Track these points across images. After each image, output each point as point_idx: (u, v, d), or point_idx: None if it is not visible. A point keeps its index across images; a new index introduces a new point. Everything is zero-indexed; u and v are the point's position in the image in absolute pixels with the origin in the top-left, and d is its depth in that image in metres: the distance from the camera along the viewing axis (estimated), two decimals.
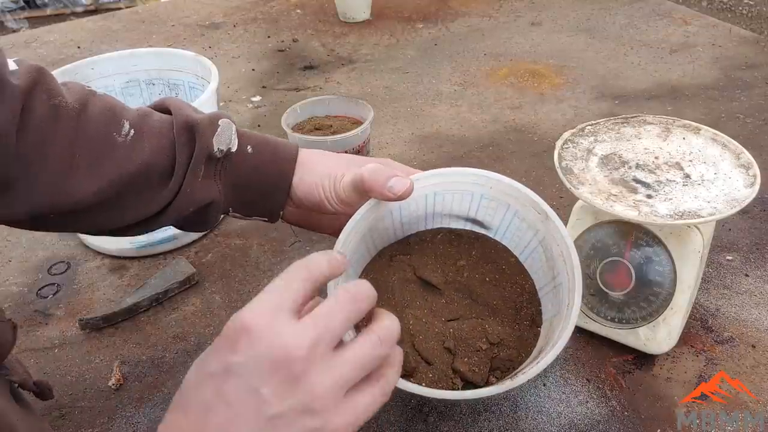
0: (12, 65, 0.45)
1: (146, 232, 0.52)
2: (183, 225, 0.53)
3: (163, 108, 0.52)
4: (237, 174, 0.51)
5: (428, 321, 0.49)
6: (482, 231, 0.55)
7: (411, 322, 0.49)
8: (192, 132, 0.49)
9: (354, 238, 0.49)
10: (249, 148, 0.51)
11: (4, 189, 0.44)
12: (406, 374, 0.47)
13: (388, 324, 0.36)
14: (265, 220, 0.54)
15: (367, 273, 0.53)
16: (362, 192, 0.48)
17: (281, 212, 0.54)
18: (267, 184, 0.51)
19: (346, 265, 0.39)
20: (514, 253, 0.54)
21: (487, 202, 0.53)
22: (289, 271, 0.36)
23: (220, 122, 0.49)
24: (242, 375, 0.32)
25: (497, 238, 0.55)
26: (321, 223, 0.56)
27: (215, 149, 0.49)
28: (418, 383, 0.45)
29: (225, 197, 0.51)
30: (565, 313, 0.46)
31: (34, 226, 0.49)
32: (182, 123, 0.49)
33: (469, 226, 0.56)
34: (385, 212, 0.52)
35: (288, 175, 0.51)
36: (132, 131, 0.48)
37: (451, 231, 0.56)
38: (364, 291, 0.36)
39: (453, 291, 0.52)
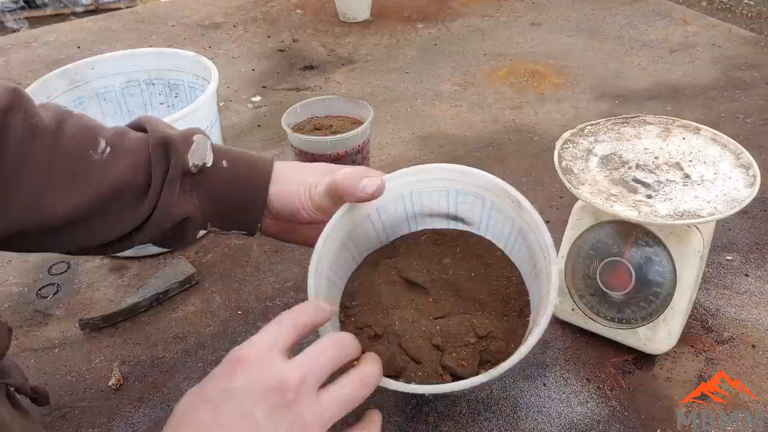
0: None
1: (124, 250, 0.52)
2: (161, 242, 0.53)
3: (139, 126, 0.52)
4: (213, 189, 0.51)
5: (415, 320, 0.49)
6: (465, 228, 0.56)
7: (397, 324, 0.49)
8: (167, 148, 0.49)
9: (332, 245, 0.49)
10: (224, 163, 0.52)
11: None
12: (395, 374, 0.47)
13: (370, 369, 0.41)
14: (243, 234, 0.55)
15: (352, 280, 0.53)
16: (336, 197, 0.49)
17: (259, 225, 0.54)
18: (243, 198, 0.52)
19: (332, 314, 0.44)
20: (499, 246, 0.54)
21: (464, 197, 0.53)
22: (281, 317, 0.40)
23: (194, 138, 0.50)
24: (238, 399, 0.35)
25: (480, 233, 0.55)
26: (299, 235, 0.56)
27: (190, 164, 0.49)
28: (406, 383, 0.45)
29: (202, 212, 0.52)
30: (546, 298, 0.46)
31: (12, 246, 0.49)
32: (157, 140, 0.49)
33: (452, 225, 0.56)
34: (363, 217, 0.52)
35: (264, 187, 0.52)
36: (108, 149, 0.48)
37: (435, 231, 0.56)
38: (349, 341, 0.41)
39: (439, 289, 0.52)
